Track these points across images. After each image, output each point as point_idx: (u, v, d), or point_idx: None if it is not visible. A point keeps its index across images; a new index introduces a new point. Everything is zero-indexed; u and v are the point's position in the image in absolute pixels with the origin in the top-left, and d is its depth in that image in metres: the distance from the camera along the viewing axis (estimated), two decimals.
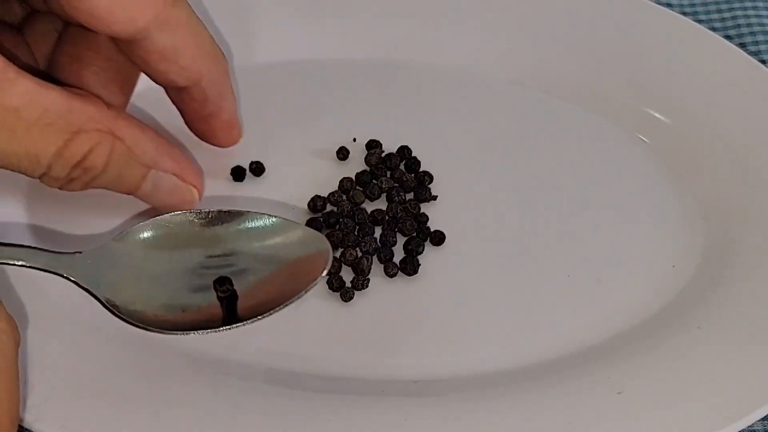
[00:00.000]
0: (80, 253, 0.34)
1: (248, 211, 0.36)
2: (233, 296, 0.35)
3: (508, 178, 0.42)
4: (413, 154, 0.42)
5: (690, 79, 0.43)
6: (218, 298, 0.35)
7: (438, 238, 0.39)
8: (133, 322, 0.33)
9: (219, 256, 0.35)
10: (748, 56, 0.43)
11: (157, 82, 0.36)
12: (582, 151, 0.43)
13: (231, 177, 0.41)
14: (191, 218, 0.36)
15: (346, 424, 0.33)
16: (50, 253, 0.33)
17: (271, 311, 0.34)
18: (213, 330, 0.33)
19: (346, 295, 0.37)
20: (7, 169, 0.32)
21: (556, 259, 0.39)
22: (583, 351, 0.36)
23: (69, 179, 0.33)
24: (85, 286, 0.33)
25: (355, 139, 0.42)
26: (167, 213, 0.36)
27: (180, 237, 0.35)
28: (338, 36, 0.45)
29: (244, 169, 0.41)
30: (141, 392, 0.33)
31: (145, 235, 0.35)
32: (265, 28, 0.45)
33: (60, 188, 0.34)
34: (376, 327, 0.37)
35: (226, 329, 0.34)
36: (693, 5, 0.49)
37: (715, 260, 0.39)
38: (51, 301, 0.36)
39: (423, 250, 0.39)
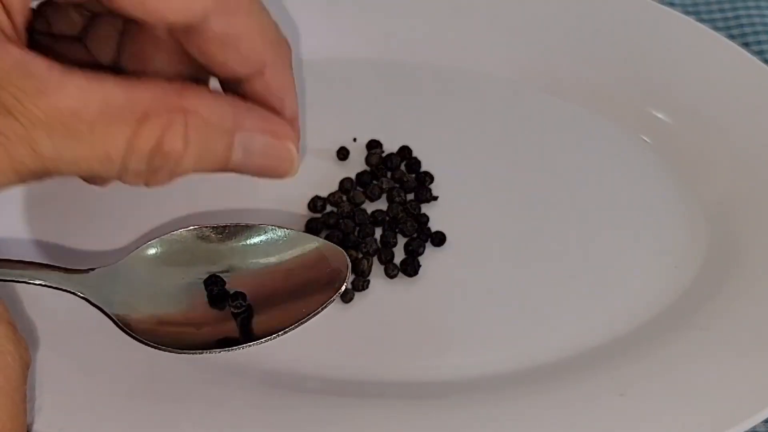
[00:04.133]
0: (92, 270, 0.33)
1: (263, 225, 0.35)
2: (248, 312, 0.34)
3: (509, 179, 0.41)
4: (414, 155, 0.42)
5: (693, 79, 0.43)
6: (233, 314, 0.34)
7: (439, 239, 0.39)
8: (146, 342, 0.32)
9: (233, 270, 0.35)
10: (752, 56, 0.43)
11: (216, 75, 0.33)
12: (584, 151, 0.43)
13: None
14: (206, 233, 0.35)
15: (346, 426, 0.33)
16: (62, 270, 0.33)
17: (287, 329, 0.33)
18: (227, 349, 0.33)
19: (347, 296, 0.37)
20: (81, 176, 0.31)
21: (557, 261, 0.39)
22: (585, 352, 0.36)
23: (152, 171, 0.30)
24: (98, 304, 0.32)
25: (355, 139, 0.42)
26: (181, 229, 0.35)
27: (194, 252, 0.35)
28: (338, 36, 0.45)
29: None
30: (140, 394, 0.34)
31: (158, 251, 0.34)
32: None
33: (147, 185, 0.31)
34: (376, 328, 0.37)
35: (239, 348, 0.33)
36: (696, 5, 0.48)
37: (718, 261, 0.39)
38: (59, 318, 0.35)
39: (424, 251, 0.39)
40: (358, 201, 0.40)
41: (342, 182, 0.41)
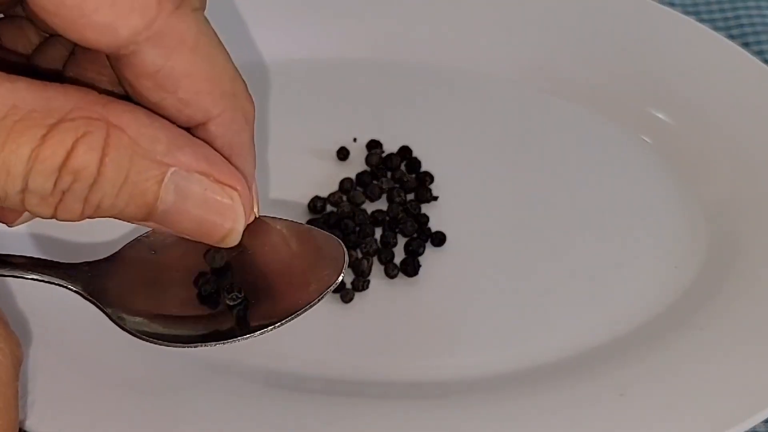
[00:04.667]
0: (86, 263, 0.32)
1: (259, 216, 0.34)
2: (244, 304, 0.33)
3: (509, 179, 0.41)
4: (414, 155, 0.42)
5: (693, 79, 0.43)
6: (228, 307, 0.33)
7: (439, 239, 0.39)
8: (142, 336, 0.31)
9: (228, 262, 0.33)
10: (752, 56, 0.43)
11: (155, 112, 0.27)
12: (584, 151, 0.43)
13: None
14: None
15: (345, 426, 0.33)
16: (53, 264, 0.31)
17: (284, 320, 0.32)
18: (223, 342, 0.31)
19: (347, 297, 0.37)
20: None
21: (557, 261, 0.39)
22: (585, 353, 0.36)
23: (59, 194, 0.25)
24: (90, 298, 0.31)
25: (355, 139, 0.42)
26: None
27: (188, 244, 0.32)
28: (338, 36, 0.45)
29: None
30: (136, 391, 0.33)
31: (151, 242, 0.33)
32: (264, 27, 0.44)
33: (56, 216, 0.26)
34: (376, 328, 0.37)
35: (236, 341, 0.31)
36: (696, 5, 0.48)
37: (718, 261, 0.39)
38: (52, 313, 0.35)
39: (424, 251, 0.39)
40: (358, 201, 0.40)
41: (342, 182, 0.40)
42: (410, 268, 0.38)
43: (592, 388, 0.34)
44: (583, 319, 0.37)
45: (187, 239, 0.29)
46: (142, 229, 0.32)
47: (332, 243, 0.32)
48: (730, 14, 0.48)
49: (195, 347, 0.31)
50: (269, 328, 0.32)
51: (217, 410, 0.33)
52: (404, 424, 0.33)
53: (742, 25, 0.47)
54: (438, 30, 0.45)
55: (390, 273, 0.38)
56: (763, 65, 0.43)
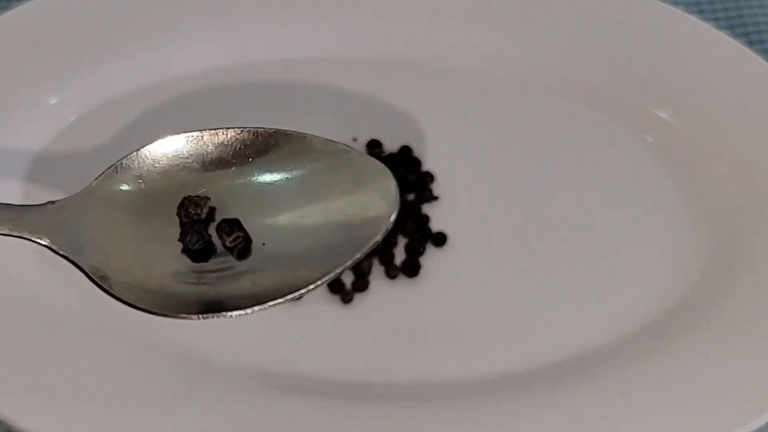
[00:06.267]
0: (51, 203, 0.25)
1: (277, 131, 0.26)
2: (245, 242, 0.25)
3: (510, 178, 0.41)
4: (414, 154, 0.42)
5: (695, 78, 0.43)
6: (227, 248, 0.25)
7: (440, 239, 0.39)
8: (131, 303, 0.24)
9: (236, 198, 0.26)
10: (755, 55, 0.43)
11: None
12: (586, 151, 0.42)
13: None
14: (201, 144, 0.25)
15: (345, 428, 0.33)
16: (10, 207, 0.24)
17: (315, 283, 0.24)
18: (240, 312, 0.24)
19: (347, 297, 0.37)
20: None
21: (559, 261, 0.39)
22: (587, 354, 0.36)
23: None
24: (62, 252, 0.24)
25: (355, 139, 0.42)
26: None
27: (186, 173, 0.26)
28: (338, 35, 0.45)
29: None
30: (131, 396, 0.33)
31: (139, 169, 0.25)
32: (264, 26, 0.44)
33: None
34: (376, 329, 0.37)
35: (245, 313, 0.24)
36: (698, 3, 0.48)
37: (721, 262, 0.39)
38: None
39: (424, 251, 0.39)
40: None
41: None
42: (411, 268, 0.38)
43: (595, 389, 0.34)
44: (585, 319, 0.37)
45: (182, 163, 0.24)
46: (119, 154, 0.25)
47: (378, 171, 0.26)
48: (733, 13, 0.48)
49: (202, 319, 0.24)
50: (294, 293, 0.24)
51: (212, 412, 0.33)
52: (404, 425, 0.33)
53: (745, 24, 0.47)
54: (439, 29, 0.45)
55: (390, 274, 0.38)
56: (766, 64, 0.42)
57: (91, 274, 0.23)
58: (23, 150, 0.40)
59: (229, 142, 0.25)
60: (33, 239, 0.24)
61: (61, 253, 0.23)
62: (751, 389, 0.34)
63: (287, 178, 0.25)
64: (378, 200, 0.24)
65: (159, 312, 0.24)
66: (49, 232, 0.23)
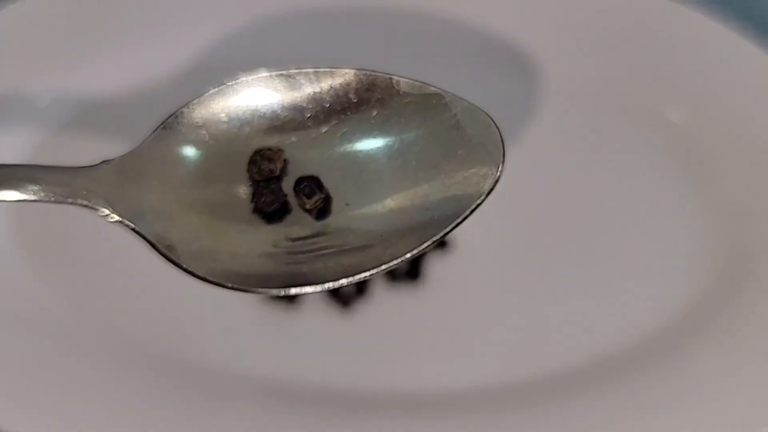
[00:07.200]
0: (106, 163, 0.21)
1: (358, 70, 0.22)
2: (326, 202, 0.22)
3: (516, 178, 0.41)
4: None
5: (708, 80, 0.42)
6: (306, 211, 0.22)
7: (441, 243, 0.38)
8: (202, 276, 0.21)
9: (313, 150, 0.22)
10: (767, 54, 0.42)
11: None
12: (595, 151, 0.42)
13: None
14: (272, 86, 0.21)
15: None
16: (59, 169, 0.21)
17: (411, 251, 0.21)
18: (326, 285, 0.21)
19: (346, 302, 0.37)
20: None
21: (567, 264, 0.38)
22: (596, 361, 0.36)
23: None
24: (127, 222, 0.20)
25: None
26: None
27: (255, 123, 0.22)
28: (339, 35, 0.44)
29: None
30: (126, 403, 0.33)
31: (201, 123, 0.22)
32: (265, 25, 0.44)
33: None
34: (376, 334, 0.36)
35: (342, 284, 0.21)
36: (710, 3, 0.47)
37: (735, 266, 0.38)
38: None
39: (425, 254, 0.38)
40: None
41: None
42: (412, 271, 0.37)
43: (604, 396, 0.34)
44: (594, 325, 0.37)
45: (251, 112, 0.22)
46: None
47: (478, 118, 0.23)
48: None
49: (286, 293, 0.21)
50: (384, 266, 0.20)
51: (209, 419, 0.33)
52: None
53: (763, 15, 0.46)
54: (441, 28, 0.44)
55: (391, 277, 0.37)
56: None
57: (156, 244, 0.20)
58: (22, 150, 0.39)
59: (301, 86, 0.22)
60: (88, 205, 0.20)
61: (125, 222, 0.20)
62: (763, 397, 0.34)
63: (371, 125, 0.22)
64: (480, 152, 0.22)
65: (235, 286, 0.20)
66: (108, 196, 0.20)
